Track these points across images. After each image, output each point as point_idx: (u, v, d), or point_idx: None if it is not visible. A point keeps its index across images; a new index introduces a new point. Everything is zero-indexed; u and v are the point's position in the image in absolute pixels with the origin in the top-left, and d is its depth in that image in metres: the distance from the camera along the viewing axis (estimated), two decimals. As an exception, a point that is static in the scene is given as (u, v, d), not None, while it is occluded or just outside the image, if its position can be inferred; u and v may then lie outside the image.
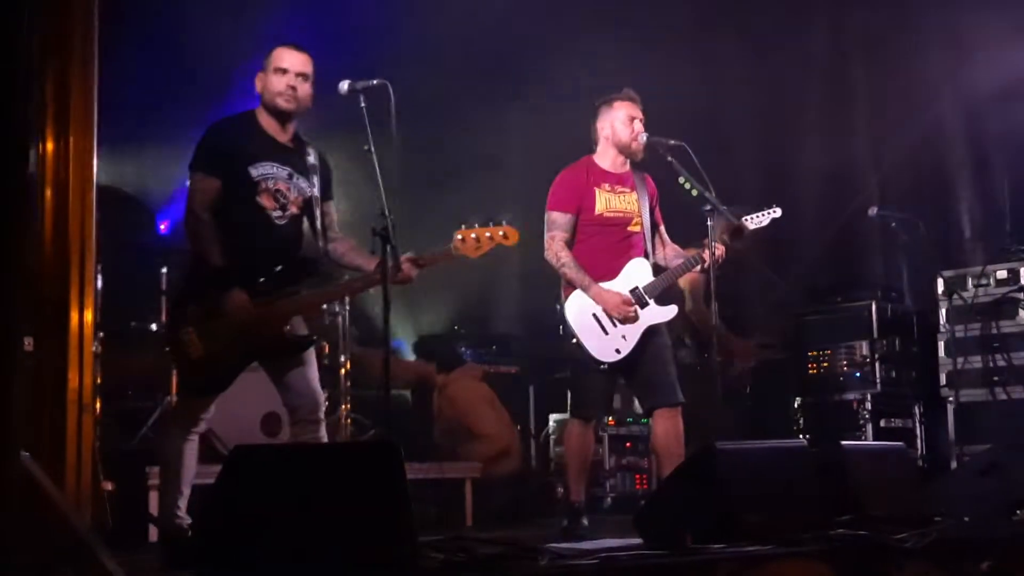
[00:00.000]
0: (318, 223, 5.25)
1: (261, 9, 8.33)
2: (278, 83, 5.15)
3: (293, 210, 5.17)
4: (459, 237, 5.09)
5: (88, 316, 4.37)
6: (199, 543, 4.10)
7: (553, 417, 9.26)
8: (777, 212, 6.59)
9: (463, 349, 9.32)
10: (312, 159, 5.28)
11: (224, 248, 4.99)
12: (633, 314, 6.14)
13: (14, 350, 3.04)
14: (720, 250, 6.18)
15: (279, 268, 5.06)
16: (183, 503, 5.02)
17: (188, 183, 5.16)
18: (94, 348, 5.59)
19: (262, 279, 4.97)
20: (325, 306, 8.08)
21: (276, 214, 5.11)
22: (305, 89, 5.18)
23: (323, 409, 5.20)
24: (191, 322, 4.97)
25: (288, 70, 5.16)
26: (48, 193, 4.31)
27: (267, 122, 5.21)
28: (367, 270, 5.13)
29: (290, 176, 5.17)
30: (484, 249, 5.14)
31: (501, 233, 5.15)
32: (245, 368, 5.12)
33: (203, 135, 5.18)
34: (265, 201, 5.09)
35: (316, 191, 5.25)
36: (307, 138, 5.34)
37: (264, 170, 5.11)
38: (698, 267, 6.22)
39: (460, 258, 5.12)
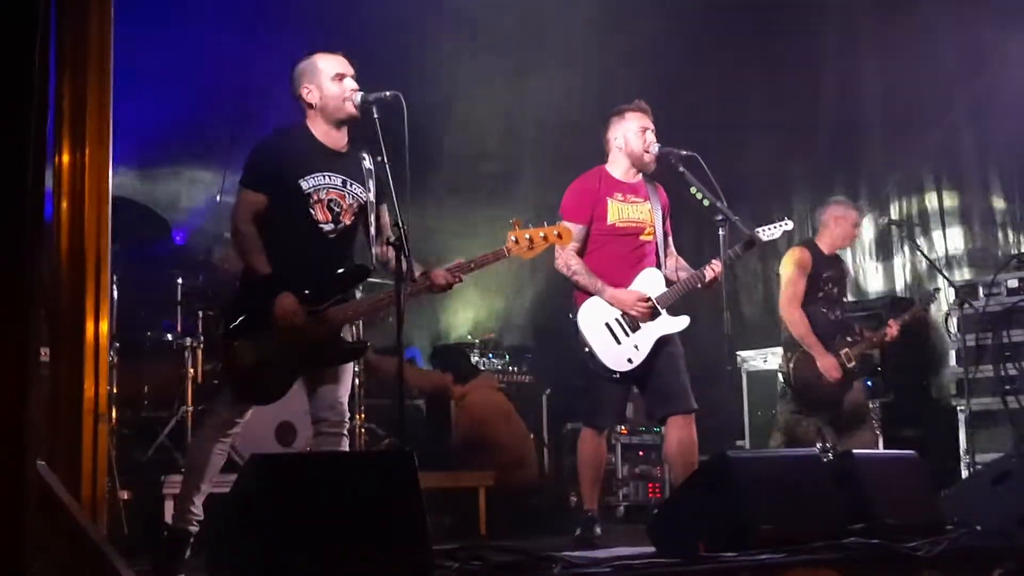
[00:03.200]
0: (372, 229, 5.20)
1: (275, 26, 8.38)
2: (342, 89, 5.09)
3: (346, 220, 5.10)
4: (512, 239, 5.09)
5: (103, 326, 4.39)
6: (213, 549, 4.12)
7: (568, 426, 9.28)
8: (789, 225, 6.61)
9: (478, 359, 9.34)
10: (368, 163, 5.20)
11: (272, 258, 4.94)
12: (650, 312, 6.15)
13: (31, 361, 3.07)
14: (718, 268, 6.16)
15: (327, 278, 5.02)
16: (199, 499, 4.99)
17: (236, 196, 5.10)
18: (110, 358, 5.64)
19: (307, 291, 4.92)
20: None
21: (328, 227, 5.05)
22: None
23: (347, 424, 5.18)
24: (246, 331, 4.95)
25: (345, 74, 5.12)
26: (64, 204, 4.33)
27: (321, 131, 5.13)
28: (416, 276, 5.07)
29: (344, 183, 5.11)
30: (537, 250, 5.17)
31: (556, 233, 5.19)
32: (298, 379, 5.08)
33: (253, 149, 5.12)
34: (319, 214, 5.03)
35: (371, 196, 5.19)
36: (361, 143, 5.25)
37: (316, 181, 5.04)
38: (699, 284, 6.23)
39: (513, 259, 5.15)
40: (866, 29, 10.35)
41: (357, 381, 7.95)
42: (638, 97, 6.53)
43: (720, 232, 6.04)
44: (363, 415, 7.91)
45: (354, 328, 5.36)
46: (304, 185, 5.02)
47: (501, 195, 10.42)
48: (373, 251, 5.23)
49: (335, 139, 5.15)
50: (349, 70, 5.15)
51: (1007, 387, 8.27)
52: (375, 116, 4.94)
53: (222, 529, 3.91)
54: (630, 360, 6.15)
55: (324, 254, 5.06)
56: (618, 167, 6.43)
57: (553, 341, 9.29)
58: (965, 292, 8.42)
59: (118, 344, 6.79)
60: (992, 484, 5.87)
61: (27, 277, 2.99)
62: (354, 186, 5.14)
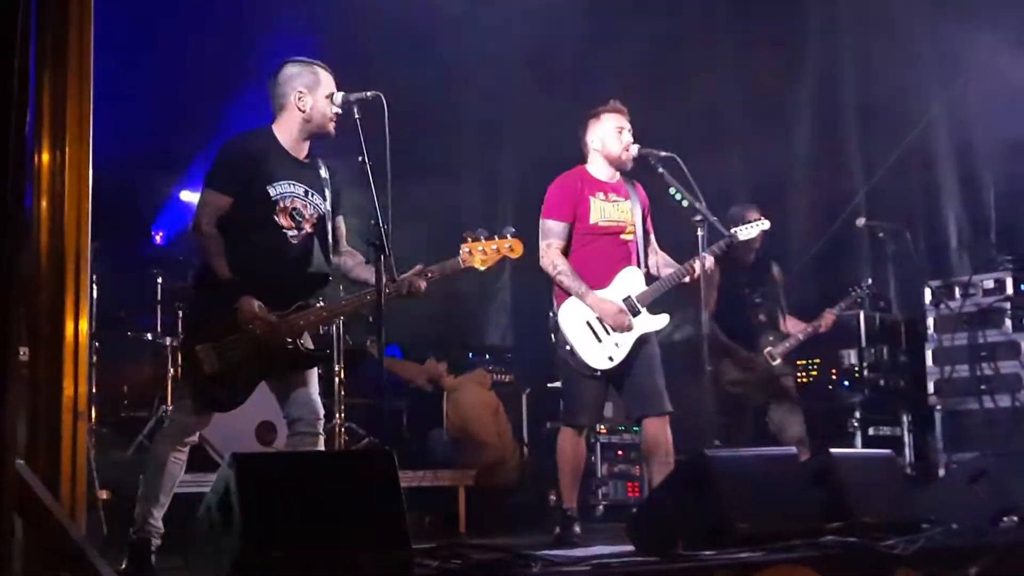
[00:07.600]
0: (329, 238, 5.25)
1: (256, 22, 8.35)
2: (329, 109, 5.14)
3: (307, 228, 5.13)
4: (466, 250, 5.18)
5: (83, 325, 4.37)
6: (193, 549, 4.13)
7: (547, 425, 9.28)
8: (766, 224, 6.64)
9: (470, 355, 9.34)
10: (325, 174, 5.26)
11: (233, 262, 4.95)
12: (628, 324, 6.18)
13: (10, 360, 3.07)
14: (710, 261, 6.21)
15: (290, 284, 5.05)
16: (159, 512, 4.99)
17: (199, 196, 5.13)
18: (89, 357, 5.62)
19: (267, 298, 4.92)
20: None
21: (291, 233, 5.08)
22: None
23: (322, 422, 5.19)
24: (207, 337, 4.94)
25: (335, 94, 5.16)
26: (43, 203, 4.32)
27: (286, 138, 5.17)
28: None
29: (306, 193, 5.14)
30: (490, 262, 5.26)
31: (508, 246, 5.28)
32: (258, 385, 5.08)
33: (219, 150, 5.14)
34: (282, 220, 5.06)
35: (328, 206, 5.24)
36: (319, 153, 5.31)
37: (282, 188, 5.08)
38: (686, 278, 6.26)
39: (467, 270, 5.21)
40: (844, 29, 10.38)
41: (337, 381, 7.96)
42: (614, 98, 6.54)
43: (699, 232, 6.09)
44: (343, 415, 7.91)
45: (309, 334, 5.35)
46: (272, 192, 5.06)
47: (481, 193, 10.42)
48: (332, 261, 5.28)
49: (299, 148, 5.20)
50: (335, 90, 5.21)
51: (983, 387, 8.33)
52: (356, 116, 4.96)
53: (202, 528, 3.91)
54: (611, 358, 6.18)
55: (287, 260, 5.09)
56: (597, 167, 6.44)
57: (533, 340, 9.29)
58: (941, 293, 8.46)
59: (98, 343, 6.79)
60: (968, 483, 5.92)
61: (7, 276, 2.99)
62: (314, 196, 5.19)
